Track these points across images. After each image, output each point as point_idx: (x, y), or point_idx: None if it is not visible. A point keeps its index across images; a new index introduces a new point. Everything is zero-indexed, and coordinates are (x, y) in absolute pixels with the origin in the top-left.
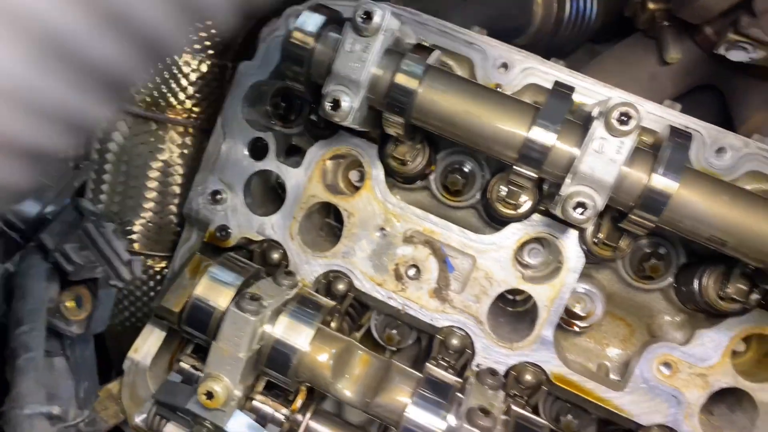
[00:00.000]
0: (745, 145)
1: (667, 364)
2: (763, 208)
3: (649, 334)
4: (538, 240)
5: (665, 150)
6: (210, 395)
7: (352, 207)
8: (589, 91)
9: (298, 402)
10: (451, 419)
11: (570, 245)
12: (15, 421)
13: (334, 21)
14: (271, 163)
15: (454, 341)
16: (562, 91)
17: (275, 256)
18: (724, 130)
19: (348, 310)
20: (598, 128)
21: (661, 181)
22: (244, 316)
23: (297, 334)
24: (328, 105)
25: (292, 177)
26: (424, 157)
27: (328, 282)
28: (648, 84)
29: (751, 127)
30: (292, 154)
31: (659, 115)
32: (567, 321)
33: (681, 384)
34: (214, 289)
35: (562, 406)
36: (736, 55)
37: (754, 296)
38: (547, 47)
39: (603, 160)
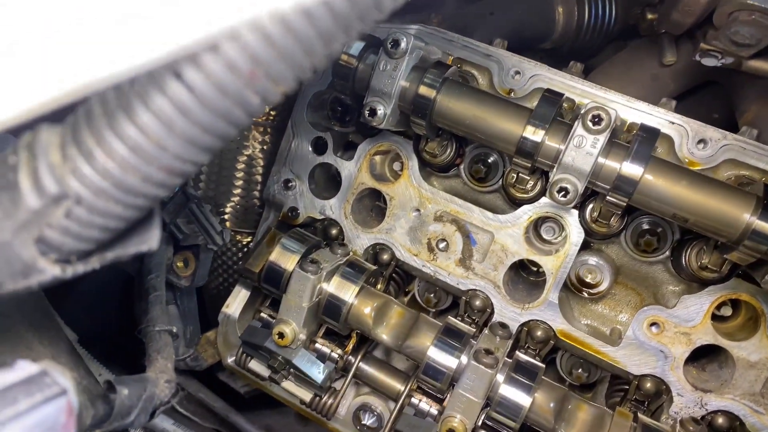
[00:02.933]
0: (723, 137)
1: (655, 324)
2: (717, 189)
3: (656, 302)
4: (552, 219)
5: (634, 143)
6: (281, 335)
7: (393, 192)
8: (587, 93)
9: (350, 345)
10: (464, 358)
11: (572, 222)
12: (150, 336)
13: (373, 45)
14: (329, 157)
15: (477, 302)
16: (552, 97)
17: (334, 231)
18: (705, 125)
19: (393, 276)
20: (578, 127)
21: (629, 169)
22: (305, 275)
23: (345, 290)
24: (366, 113)
25: (346, 168)
26: (452, 150)
27: (375, 253)
28: (650, 84)
29: (747, 119)
30: (350, 149)
31: (649, 113)
32: (579, 289)
33: (667, 341)
34: (284, 255)
35: (575, 361)
36: (708, 62)
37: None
38: (571, 49)
39: (581, 153)
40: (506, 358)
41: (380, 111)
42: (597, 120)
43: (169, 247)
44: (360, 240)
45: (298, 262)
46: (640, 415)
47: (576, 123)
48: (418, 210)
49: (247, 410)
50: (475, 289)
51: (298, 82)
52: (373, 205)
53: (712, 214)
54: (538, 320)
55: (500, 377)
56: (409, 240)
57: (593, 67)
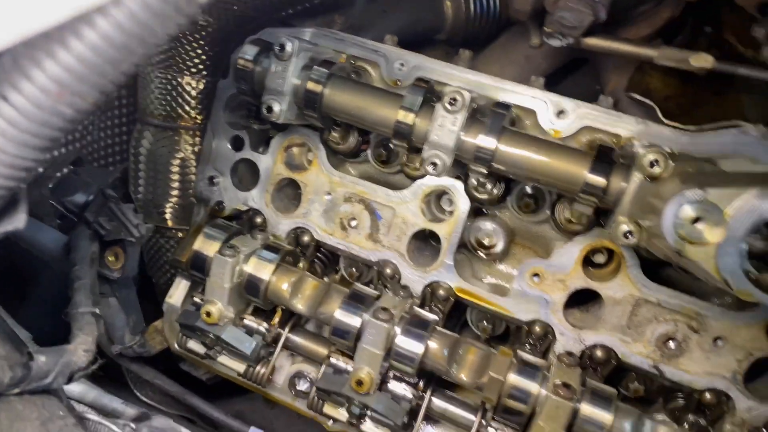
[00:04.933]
0: (577, 107)
1: (536, 275)
2: (561, 153)
3: (548, 258)
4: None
5: (489, 119)
6: (208, 314)
7: (306, 179)
8: (461, 78)
9: (276, 319)
10: (367, 317)
11: (458, 193)
12: (74, 317)
13: (267, 49)
14: (247, 153)
15: (387, 270)
16: (420, 84)
17: (258, 220)
18: (563, 97)
19: (319, 256)
20: (439, 109)
21: (485, 141)
22: (223, 259)
23: (262, 269)
24: (264, 110)
25: (263, 161)
26: (355, 138)
27: (296, 236)
28: (525, 64)
29: (610, 89)
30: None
31: (515, 91)
32: (476, 250)
33: (547, 288)
34: (207, 243)
35: (482, 316)
36: (554, 42)
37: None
38: (465, 39)
39: (445, 131)
40: (405, 314)
41: (276, 108)
42: (453, 102)
43: (93, 242)
44: (282, 225)
45: (219, 248)
46: (519, 351)
47: (437, 105)
48: (330, 194)
49: (217, 399)
50: (384, 259)
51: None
52: (296, 194)
53: (557, 174)
54: (438, 281)
55: (397, 330)
56: (324, 221)
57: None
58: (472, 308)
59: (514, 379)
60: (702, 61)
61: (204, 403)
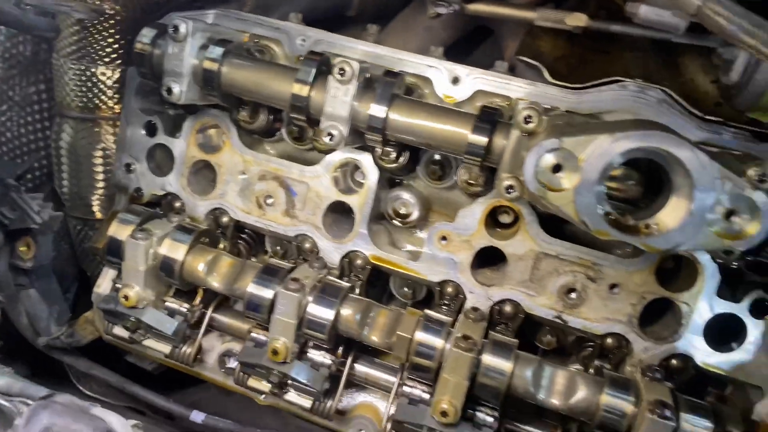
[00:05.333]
0: (471, 72)
1: (444, 238)
2: (448, 116)
3: None
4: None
5: (378, 87)
6: (126, 297)
7: (220, 160)
8: (359, 51)
9: (198, 299)
10: (279, 289)
11: (366, 164)
12: None
13: (164, 32)
14: (161, 138)
15: (306, 245)
16: (312, 58)
17: (177, 204)
18: (456, 64)
19: (243, 237)
20: (331, 80)
21: (376, 110)
22: (135, 242)
23: (176, 250)
24: (164, 92)
25: (177, 145)
26: (266, 116)
27: (215, 217)
28: (425, 35)
29: (507, 56)
30: None
31: (413, 61)
32: (393, 219)
33: (455, 249)
34: (121, 228)
35: (402, 282)
36: (441, 9)
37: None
38: (374, 15)
39: (338, 102)
40: (317, 284)
41: (176, 89)
42: (342, 72)
43: None
44: (200, 208)
45: (132, 233)
46: (426, 310)
47: (329, 77)
48: (244, 173)
49: (172, 390)
50: (302, 233)
51: None
52: (215, 176)
53: (444, 137)
54: (355, 250)
55: (309, 299)
56: (241, 201)
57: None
58: (394, 277)
59: (420, 336)
60: (577, 20)
61: (145, 391)
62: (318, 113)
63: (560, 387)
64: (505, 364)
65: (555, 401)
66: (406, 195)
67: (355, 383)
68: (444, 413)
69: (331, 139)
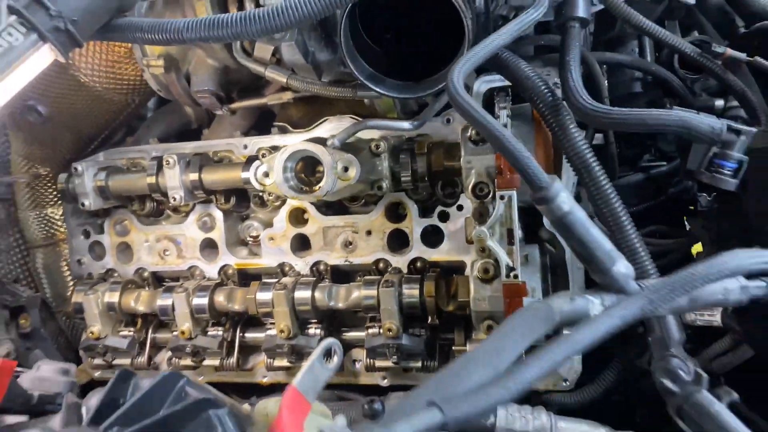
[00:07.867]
0: (251, 139)
1: (271, 238)
2: (233, 167)
3: None
4: None
5: (193, 164)
6: (92, 333)
7: (132, 239)
8: (186, 147)
9: (138, 325)
10: (174, 296)
11: (212, 210)
12: None
13: (71, 174)
14: (94, 237)
15: (196, 272)
16: (153, 162)
17: (115, 274)
18: (243, 138)
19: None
20: (166, 169)
21: (192, 176)
22: (88, 297)
23: (113, 296)
24: (80, 206)
25: (104, 239)
26: (152, 203)
27: (139, 273)
28: (230, 127)
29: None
30: None
31: (223, 143)
32: (248, 239)
33: (279, 243)
34: (79, 294)
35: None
36: (220, 112)
37: None
38: (210, 120)
39: (173, 179)
40: (199, 286)
41: (87, 202)
42: (168, 162)
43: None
44: (128, 271)
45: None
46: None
47: (164, 167)
48: (147, 241)
49: None
50: (192, 265)
51: None
52: (132, 249)
53: (234, 180)
54: (225, 264)
55: (194, 296)
56: (150, 258)
57: None
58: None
59: (261, 295)
60: (276, 99)
61: None
62: (166, 189)
63: (343, 296)
64: (308, 293)
65: (340, 305)
66: (255, 223)
67: (249, 345)
68: (282, 331)
69: (175, 200)
